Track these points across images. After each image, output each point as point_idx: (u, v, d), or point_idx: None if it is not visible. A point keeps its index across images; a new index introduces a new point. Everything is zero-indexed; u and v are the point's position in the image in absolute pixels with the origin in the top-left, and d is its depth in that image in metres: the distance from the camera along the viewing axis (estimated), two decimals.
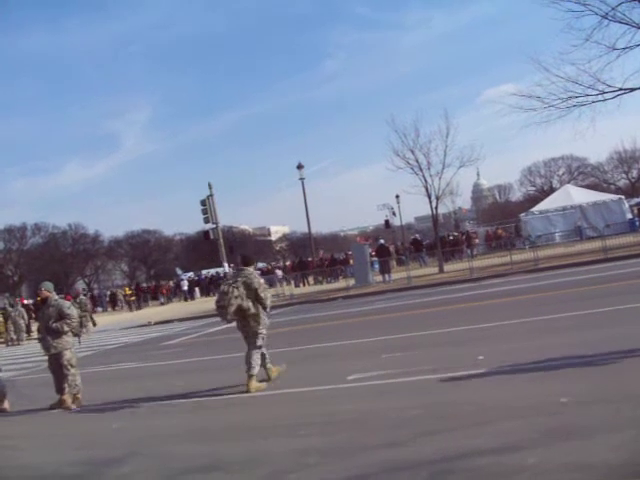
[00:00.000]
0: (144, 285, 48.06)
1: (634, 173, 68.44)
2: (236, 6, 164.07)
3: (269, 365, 7.69)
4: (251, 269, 7.89)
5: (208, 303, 31.30)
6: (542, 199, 41.21)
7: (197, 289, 42.69)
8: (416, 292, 19.14)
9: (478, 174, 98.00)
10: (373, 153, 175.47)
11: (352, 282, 24.74)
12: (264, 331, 7.59)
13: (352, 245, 31.65)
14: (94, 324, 24.40)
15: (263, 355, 7.61)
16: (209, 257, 55.11)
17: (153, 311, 32.80)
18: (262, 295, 7.53)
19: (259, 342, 7.50)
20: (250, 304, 7.44)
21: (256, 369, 7.37)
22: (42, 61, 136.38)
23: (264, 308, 7.61)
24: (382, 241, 30.69)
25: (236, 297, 7.37)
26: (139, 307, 38.20)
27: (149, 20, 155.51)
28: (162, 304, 39.37)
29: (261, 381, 7.45)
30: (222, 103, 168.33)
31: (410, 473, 3.74)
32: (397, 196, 51.01)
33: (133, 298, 38.86)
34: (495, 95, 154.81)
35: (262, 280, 7.84)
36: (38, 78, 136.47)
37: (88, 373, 10.17)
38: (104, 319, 29.89)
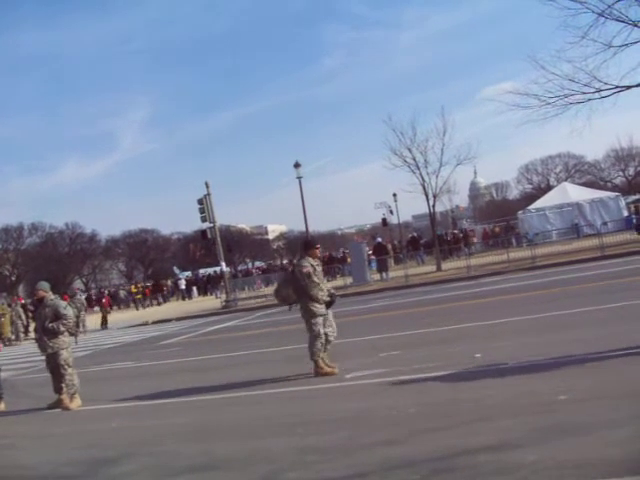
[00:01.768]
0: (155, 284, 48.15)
1: (631, 170, 68.55)
2: (234, 5, 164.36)
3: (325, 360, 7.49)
4: (307, 257, 7.57)
5: (206, 302, 31.38)
6: (539, 197, 41.17)
7: (195, 288, 42.72)
8: (414, 290, 19.16)
9: (475, 172, 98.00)
10: (371, 151, 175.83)
11: (350, 280, 24.76)
12: (312, 320, 7.33)
13: (349, 244, 31.67)
14: (105, 324, 24.43)
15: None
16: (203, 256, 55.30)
17: (152, 310, 32.81)
18: (302, 283, 7.33)
19: (310, 330, 7.38)
20: (290, 291, 7.47)
21: (316, 354, 7.29)
22: (40, 59, 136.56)
23: (308, 298, 7.33)
24: (379, 239, 30.74)
25: (280, 283, 7.64)
26: (158, 303, 38.69)
27: (147, 19, 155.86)
28: (159, 303, 39.36)
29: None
30: (220, 102, 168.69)
31: (409, 471, 3.74)
32: (394, 194, 50.97)
33: (139, 296, 38.81)
34: (493, 93, 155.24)
35: (306, 269, 7.32)
36: (36, 76, 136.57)
37: (86, 373, 10.16)
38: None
